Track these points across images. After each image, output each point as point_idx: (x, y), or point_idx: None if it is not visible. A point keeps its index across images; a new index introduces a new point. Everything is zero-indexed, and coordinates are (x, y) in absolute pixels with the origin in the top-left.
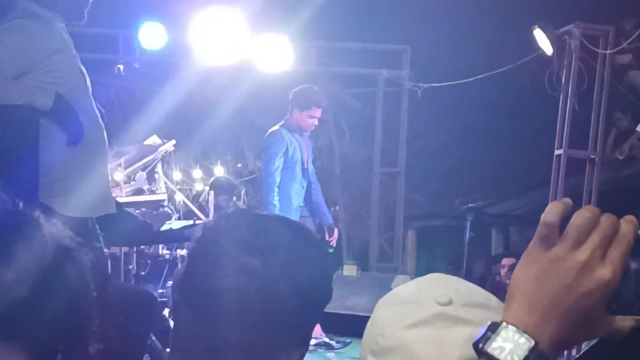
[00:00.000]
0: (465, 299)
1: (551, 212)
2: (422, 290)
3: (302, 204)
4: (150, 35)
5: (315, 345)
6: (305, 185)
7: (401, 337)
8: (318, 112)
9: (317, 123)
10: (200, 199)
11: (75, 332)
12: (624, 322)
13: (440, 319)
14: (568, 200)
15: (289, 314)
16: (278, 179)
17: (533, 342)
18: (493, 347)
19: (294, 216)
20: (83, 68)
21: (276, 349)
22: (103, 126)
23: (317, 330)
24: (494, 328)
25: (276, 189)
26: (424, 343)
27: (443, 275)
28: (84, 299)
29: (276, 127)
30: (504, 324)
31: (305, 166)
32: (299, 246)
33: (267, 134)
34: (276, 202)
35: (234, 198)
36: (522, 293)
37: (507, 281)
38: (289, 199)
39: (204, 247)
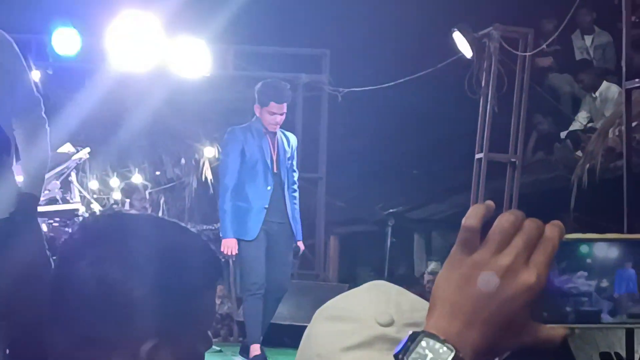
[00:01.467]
0: (408, 317)
1: (472, 215)
2: (362, 305)
3: (266, 206)
4: (64, 41)
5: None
6: (270, 186)
7: None
8: (278, 108)
9: (278, 120)
10: (117, 209)
11: None
12: (556, 330)
13: (380, 342)
14: (490, 203)
15: (131, 305)
16: (231, 182)
17: (454, 351)
18: (413, 358)
19: (256, 219)
20: None
21: (121, 339)
22: (8, 136)
23: (255, 348)
24: (413, 338)
25: (228, 194)
26: None
27: (384, 285)
28: None
29: (239, 125)
30: (424, 333)
31: (272, 166)
32: (149, 238)
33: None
34: (227, 207)
35: (148, 194)
36: (443, 300)
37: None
38: (247, 201)
39: (64, 244)
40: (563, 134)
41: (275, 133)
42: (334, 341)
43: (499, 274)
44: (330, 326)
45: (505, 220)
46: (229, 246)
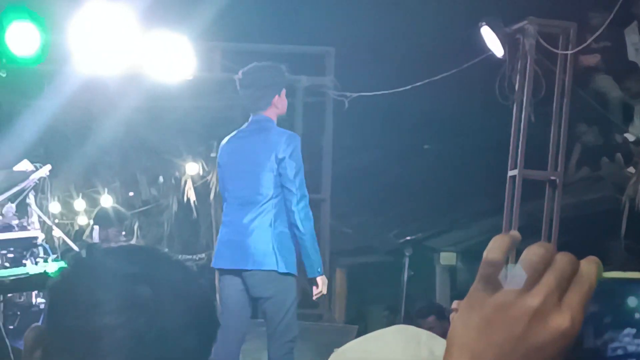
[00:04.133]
0: None
1: (495, 248)
2: (390, 349)
3: None
4: (20, 38)
5: None
6: None
7: None
8: None
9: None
10: (85, 236)
11: None
12: None
13: None
14: (515, 233)
15: (182, 348)
16: None
17: None
18: None
19: None
20: None
21: None
22: None
23: None
24: None
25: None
26: None
27: (412, 328)
28: None
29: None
30: None
31: None
32: (182, 274)
33: (292, 136)
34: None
35: (124, 232)
36: (462, 347)
37: None
38: None
39: (75, 282)
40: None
41: None
42: None
43: (526, 317)
44: None
45: (533, 253)
46: (326, 284)
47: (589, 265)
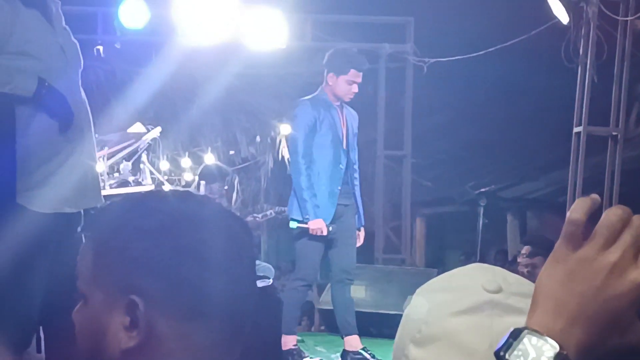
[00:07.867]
0: (515, 289)
1: (577, 208)
2: (467, 277)
3: (339, 188)
4: (131, 13)
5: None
6: (344, 165)
7: (447, 325)
8: (357, 76)
9: (355, 90)
10: (190, 190)
11: None
12: None
13: (489, 307)
14: (596, 196)
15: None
16: (305, 160)
17: (557, 349)
18: (515, 355)
19: (330, 204)
20: (70, 46)
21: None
22: (89, 112)
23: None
24: (515, 334)
25: (305, 172)
26: (472, 331)
27: (486, 265)
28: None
29: (306, 98)
30: (527, 330)
31: (343, 143)
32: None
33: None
34: (305, 185)
35: (226, 186)
36: (546, 296)
37: (525, 270)
38: (320, 184)
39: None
40: None
41: (343, 106)
42: (442, 308)
43: (605, 271)
44: (436, 296)
45: (612, 214)
46: (320, 227)
47: None
